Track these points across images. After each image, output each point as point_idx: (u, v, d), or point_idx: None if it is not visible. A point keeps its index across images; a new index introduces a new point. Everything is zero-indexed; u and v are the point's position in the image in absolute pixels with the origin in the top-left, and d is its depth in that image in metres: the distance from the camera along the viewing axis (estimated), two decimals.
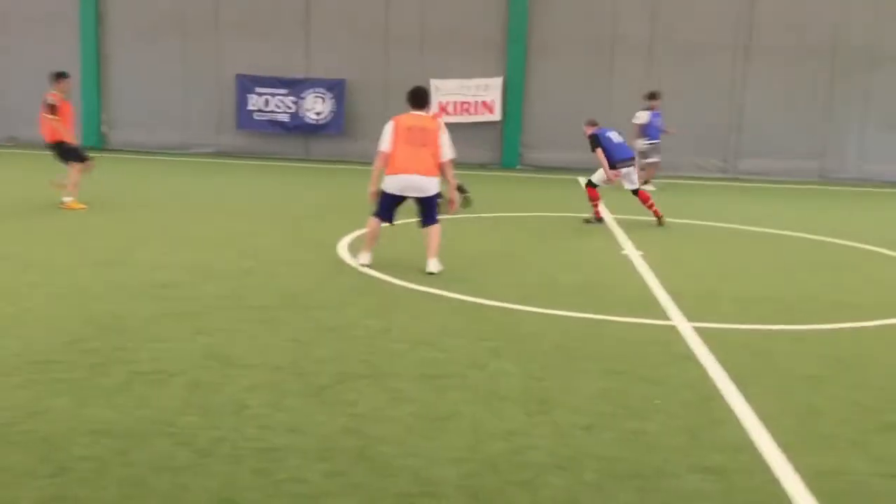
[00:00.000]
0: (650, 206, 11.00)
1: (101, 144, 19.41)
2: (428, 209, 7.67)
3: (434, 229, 7.64)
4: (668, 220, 10.97)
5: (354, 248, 8.45)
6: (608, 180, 10.85)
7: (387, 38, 18.99)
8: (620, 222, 11.04)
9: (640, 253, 8.89)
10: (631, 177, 11.00)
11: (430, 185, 7.54)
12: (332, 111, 19.27)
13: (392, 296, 6.74)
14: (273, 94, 19.36)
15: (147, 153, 19.17)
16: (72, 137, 10.78)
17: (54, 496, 3.27)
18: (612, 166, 10.78)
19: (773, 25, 18.44)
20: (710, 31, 18.50)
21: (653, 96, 15.68)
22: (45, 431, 3.83)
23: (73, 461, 3.55)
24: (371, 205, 7.77)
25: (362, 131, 19.19)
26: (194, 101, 19.67)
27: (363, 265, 7.63)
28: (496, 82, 18.91)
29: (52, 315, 5.77)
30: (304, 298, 6.49)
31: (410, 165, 7.43)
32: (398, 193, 7.57)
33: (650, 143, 15.46)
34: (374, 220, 7.70)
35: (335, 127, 19.38)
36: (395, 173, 7.47)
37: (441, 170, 7.67)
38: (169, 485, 3.40)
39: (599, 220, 11.08)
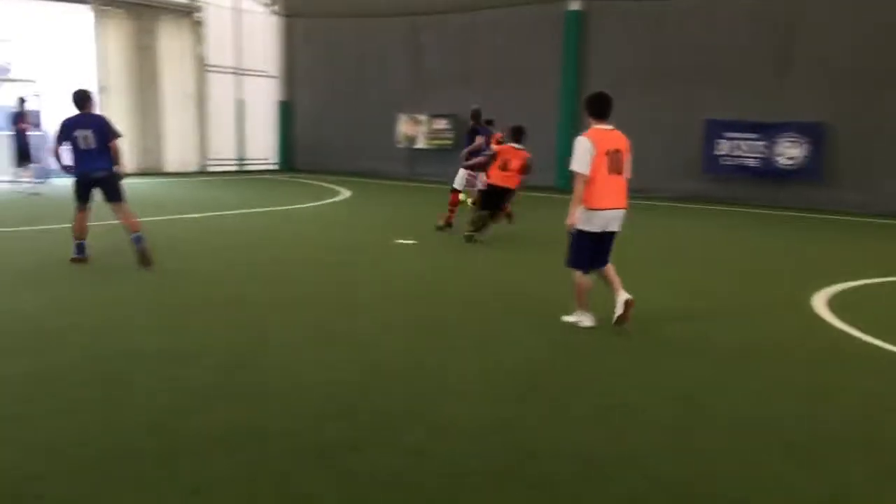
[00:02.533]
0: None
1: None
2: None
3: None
4: None
5: (838, 307, 7.79)
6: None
7: (880, 77, 17.22)
8: None
9: None
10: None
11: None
12: (806, 156, 18.10)
13: (879, 359, 6.03)
14: (743, 139, 18.88)
15: None
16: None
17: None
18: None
19: None
20: None
21: None
22: (529, 445, 4.21)
23: (551, 476, 3.83)
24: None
25: (841, 179, 17.74)
26: (654, 147, 20.03)
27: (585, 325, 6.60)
28: None
29: (518, 339, 6.34)
30: (774, 351, 6.14)
31: (615, 198, 6.43)
32: (599, 231, 6.49)
33: None
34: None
35: (810, 173, 18.14)
36: (601, 208, 6.39)
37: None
38: None
39: (448, 225, 12.39)
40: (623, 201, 6.50)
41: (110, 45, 21.69)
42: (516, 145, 11.42)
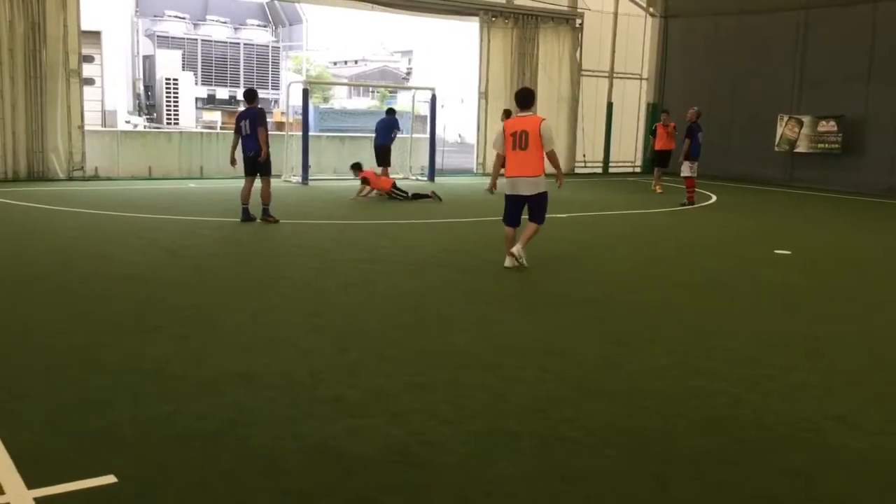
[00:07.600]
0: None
1: None
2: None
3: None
4: None
5: None
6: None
7: None
8: None
9: None
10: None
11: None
12: None
13: None
14: None
15: None
16: None
17: None
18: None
19: None
20: None
21: None
22: None
23: None
24: None
25: None
26: None
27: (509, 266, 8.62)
28: None
29: None
30: None
31: (518, 168, 8.86)
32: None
33: None
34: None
35: None
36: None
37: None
38: None
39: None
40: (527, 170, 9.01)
41: (493, 54, 23.25)
42: None
